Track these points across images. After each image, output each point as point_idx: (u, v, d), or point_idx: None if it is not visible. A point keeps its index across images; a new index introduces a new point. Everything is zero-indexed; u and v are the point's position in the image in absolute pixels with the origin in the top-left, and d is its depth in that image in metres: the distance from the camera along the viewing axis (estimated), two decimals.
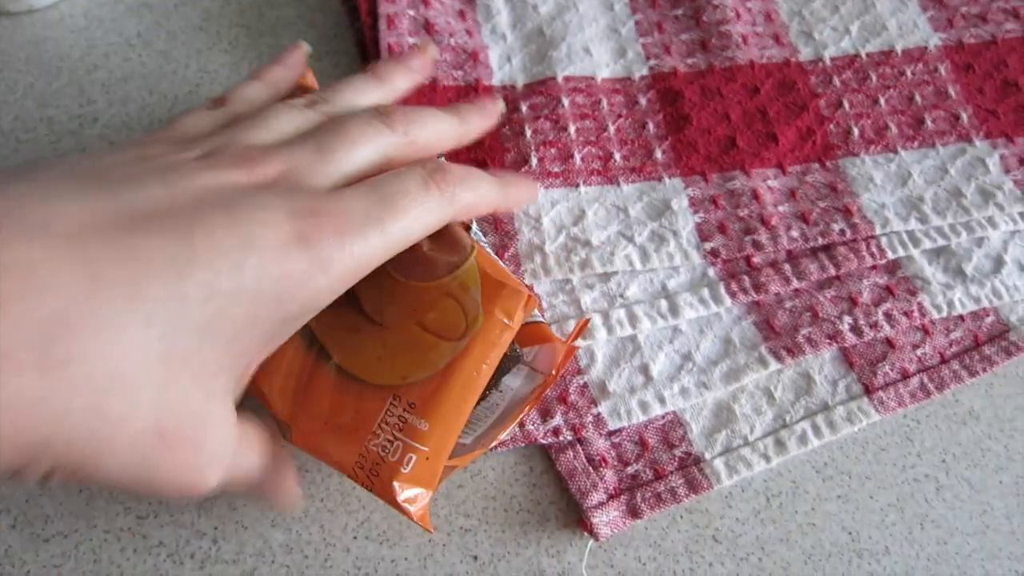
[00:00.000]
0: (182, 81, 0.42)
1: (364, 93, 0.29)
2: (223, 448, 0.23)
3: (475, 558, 0.32)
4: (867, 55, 0.44)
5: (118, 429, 0.20)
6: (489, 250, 0.30)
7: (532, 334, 0.31)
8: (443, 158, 0.31)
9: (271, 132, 0.26)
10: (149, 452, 0.20)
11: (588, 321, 0.35)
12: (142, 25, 0.44)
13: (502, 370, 0.30)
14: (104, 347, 0.19)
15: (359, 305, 0.28)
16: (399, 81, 0.31)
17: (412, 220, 0.25)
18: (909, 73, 0.44)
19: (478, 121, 0.31)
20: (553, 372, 0.31)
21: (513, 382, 0.31)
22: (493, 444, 0.31)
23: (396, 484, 0.26)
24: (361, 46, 0.43)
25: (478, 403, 0.29)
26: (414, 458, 0.26)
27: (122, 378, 0.19)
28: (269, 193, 0.23)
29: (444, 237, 0.28)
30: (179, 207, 0.21)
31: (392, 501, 0.26)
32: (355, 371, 0.28)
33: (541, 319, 0.33)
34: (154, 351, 0.20)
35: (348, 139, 0.26)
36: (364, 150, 0.26)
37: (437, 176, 0.26)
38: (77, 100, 0.41)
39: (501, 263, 0.29)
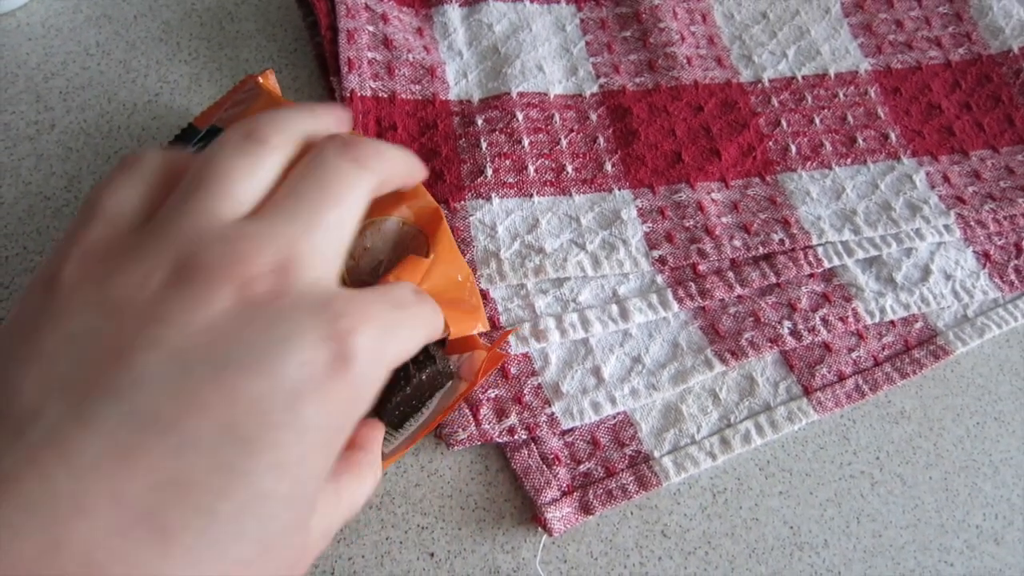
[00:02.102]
0: (141, 90, 0.42)
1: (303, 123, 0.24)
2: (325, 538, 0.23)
3: (432, 555, 0.33)
4: (803, 78, 0.47)
5: None
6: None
7: (460, 343, 0.32)
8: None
9: (233, 199, 0.20)
10: None
11: (511, 331, 0.36)
12: (101, 35, 0.44)
13: (435, 387, 0.30)
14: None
15: None
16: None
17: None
18: (842, 95, 0.46)
19: (418, 163, 0.27)
20: (474, 378, 0.32)
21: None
22: (414, 444, 0.32)
23: None
24: (321, 60, 0.44)
25: (408, 419, 0.31)
26: None
27: None
28: (280, 319, 0.19)
29: None
30: (184, 408, 0.17)
31: None
32: None
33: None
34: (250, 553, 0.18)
35: (333, 196, 0.21)
36: (353, 208, 0.22)
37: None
38: (34, 107, 0.41)
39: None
